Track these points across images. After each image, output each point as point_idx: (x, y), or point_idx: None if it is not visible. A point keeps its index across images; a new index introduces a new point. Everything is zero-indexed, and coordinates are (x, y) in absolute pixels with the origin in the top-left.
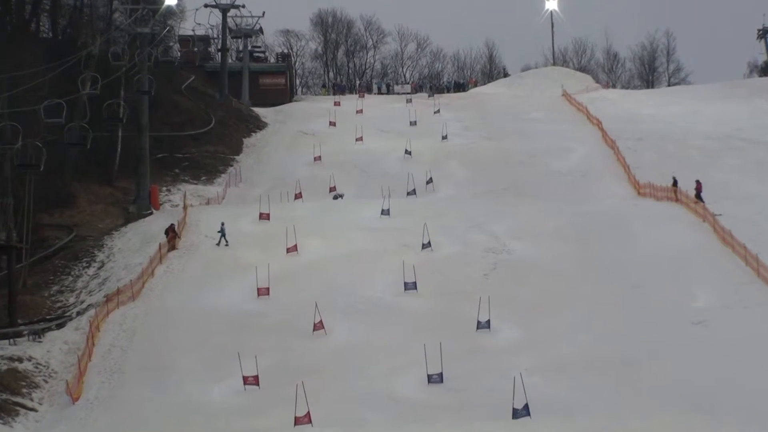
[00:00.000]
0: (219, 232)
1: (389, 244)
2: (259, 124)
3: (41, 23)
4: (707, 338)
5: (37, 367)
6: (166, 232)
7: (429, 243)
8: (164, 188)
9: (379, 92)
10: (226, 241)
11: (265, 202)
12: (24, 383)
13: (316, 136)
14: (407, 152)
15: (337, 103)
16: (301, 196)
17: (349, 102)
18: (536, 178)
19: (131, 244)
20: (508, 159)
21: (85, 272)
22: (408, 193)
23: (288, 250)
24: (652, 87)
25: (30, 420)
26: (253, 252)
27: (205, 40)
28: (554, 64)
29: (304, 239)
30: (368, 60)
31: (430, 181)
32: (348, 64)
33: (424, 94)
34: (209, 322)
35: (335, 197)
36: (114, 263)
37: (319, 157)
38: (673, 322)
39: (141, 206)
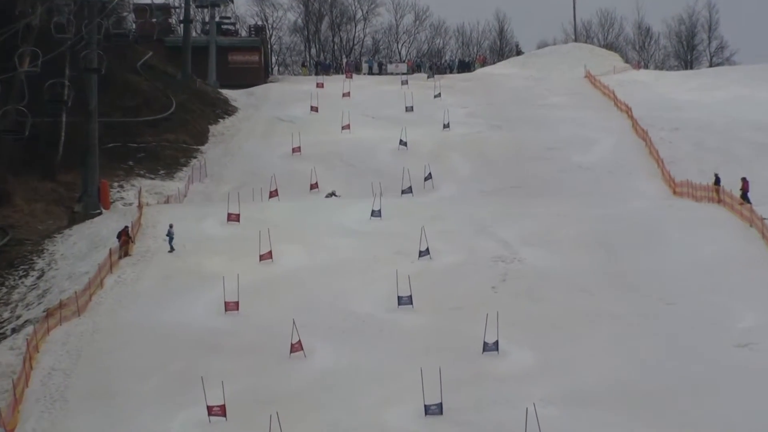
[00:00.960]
0: (167, 235)
1: (380, 251)
2: (227, 109)
3: None
4: (754, 364)
5: None
6: (119, 236)
7: (427, 250)
8: (116, 184)
9: (370, 72)
10: (171, 247)
11: (235, 200)
12: None
13: (295, 124)
14: (402, 143)
15: (319, 85)
16: (277, 195)
17: (334, 84)
18: (554, 175)
19: (76, 250)
20: (520, 152)
21: (22, 282)
22: (403, 192)
23: (261, 258)
24: (691, 68)
25: None
26: (220, 260)
27: (165, 9)
28: (576, 40)
29: (280, 245)
30: (357, 34)
31: (428, 177)
32: (333, 39)
33: (423, 75)
34: (168, 342)
35: (328, 196)
36: (56, 272)
37: (299, 148)
38: (713, 345)
39: (88, 205)
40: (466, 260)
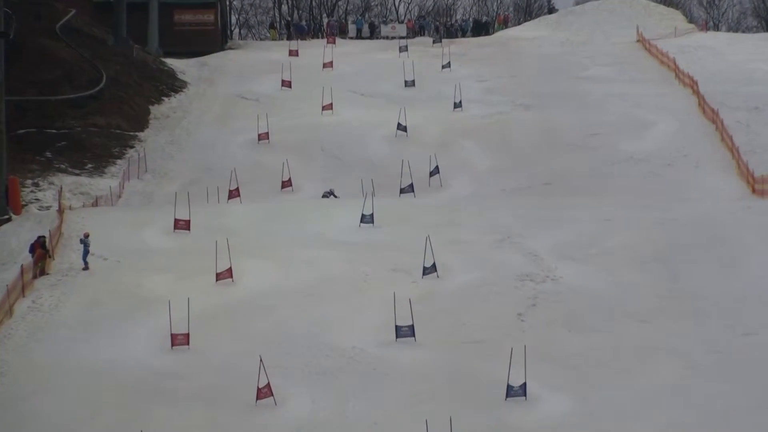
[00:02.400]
0: (83, 246)
1: (373, 268)
2: (174, 85)
3: None
4: None
5: None
6: (32, 249)
7: (433, 267)
8: (29, 181)
9: (359, 36)
10: (86, 264)
11: (184, 203)
12: None
13: (262, 103)
14: (401, 128)
15: (293, 53)
16: (239, 195)
17: (313, 51)
18: (597, 168)
19: None
20: (554, 139)
21: None
22: (402, 191)
23: (218, 277)
24: None
25: None
26: (165, 279)
27: None
28: None
29: (242, 261)
30: None
31: (435, 172)
32: None
33: (428, 40)
34: (98, 387)
35: (325, 195)
36: None
37: (266, 134)
38: None
39: None
40: (485, 279)
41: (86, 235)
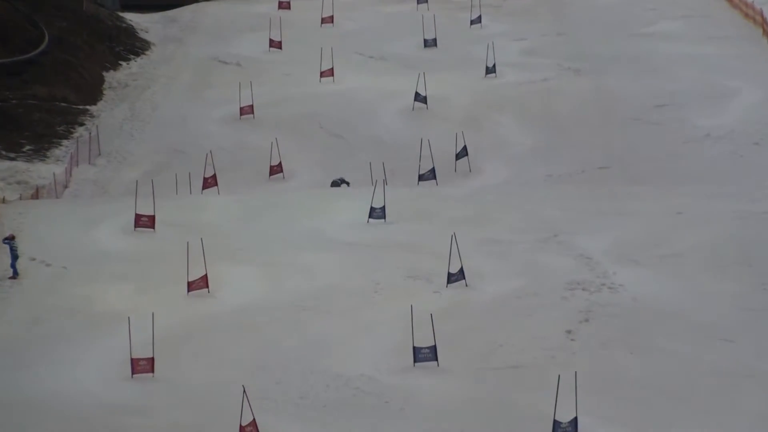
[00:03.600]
0: (6, 243)
1: (385, 274)
2: (134, 46)
3: None
4: None
5: None
6: None
7: (461, 273)
8: None
9: None
10: (14, 271)
11: (147, 194)
12: None
13: (245, 69)
14: (420, 99)
15: (284, 5)
16: (216, 184)
17: (308, 2)
18: (666, 148)
19: None
20: (611, 112)
21: None
22: (422, 178)
23: (191, 287)
24: None
25: None
26: (124, 291)
27: None
28: None
29: (221, 266)
30: None
31: (462, 154)
32: None
33: None
34: (40, 425)
35: (335, 184)
36: None
37: (250, 108)
38: None
39: None
40: (525, 289)
41: (11, 237)
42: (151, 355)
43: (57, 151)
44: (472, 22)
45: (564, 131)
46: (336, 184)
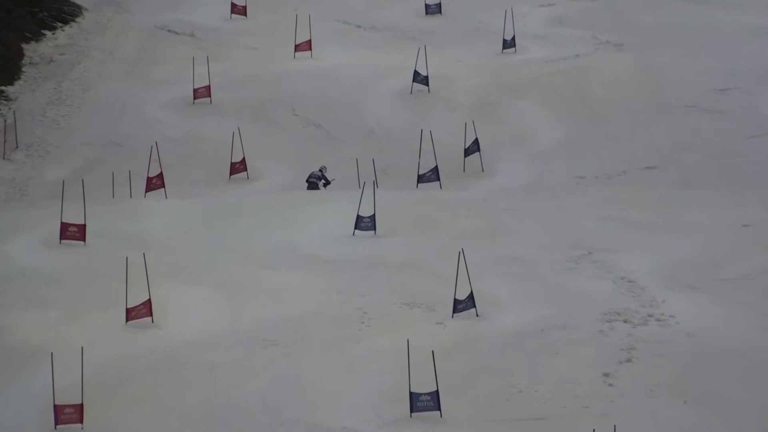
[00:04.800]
0: None
1: (376, 301)
2: (62, 11)
3: None
4: None
5: None
6: None
7: (471, 299)
8: None
9: None
10: None
11: (76, 197)
12: None
13: (200, 41)
14: (420, 80)
15: None
16: (162, 185)
17: None
18: (727, 144)
19: None
20: (660, 98)
21: None
22: (422, 179)
23: (130, 315)
24: None
25: None
26: (46, 318)
27: None
28: None
29: (169, 289)
30: None
31: (473, 149)
32: None
33: None
34: None
35: (312, 182)
36: None
37: (207, 90)
38: None
39: None
40: (552, 320)
41: None
42: (79, 401)
43: None
44: None
45: (601, 121)
46: (313, 183)
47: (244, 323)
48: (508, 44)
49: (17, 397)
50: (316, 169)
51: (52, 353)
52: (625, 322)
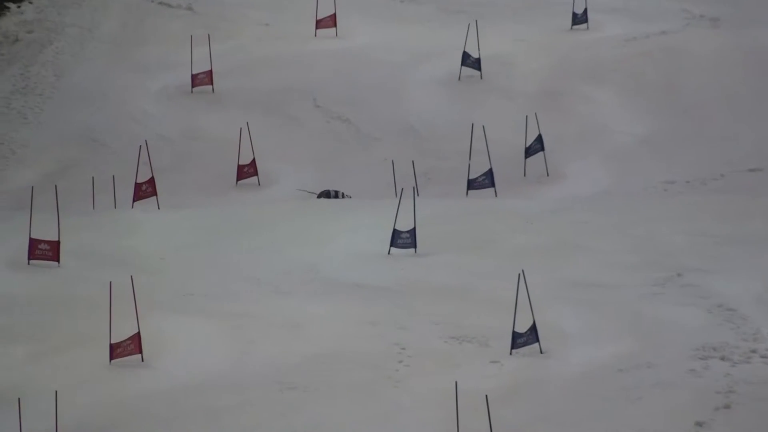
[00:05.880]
0: None
1: (416, 335)
2: None
3: None
4: None
5: None
6: None
7: (533, 332)
8: None
9: None
10: None
11: (48, 206)
12: None
13: (199, 16)
14: (469, 63)
15: None
16: (154, 192)
17: None
18: None
19: None
20: (766, 83)
21: None
22: (473, 184)
23: (116, 353)
24: None
25: None
26: (13, 355)
27: None
28: None
29: (162, 320)
30: None
31: (536, 147)
32: None
33: None
34: None
35: (322, 196)
36: None
37: (208, 76)
38: None
39: None
40: (633, 357)
41: None
42: None
43: None
44: None
45: (693, 114)
46: (326, 192)
47: (255, 362)
48: (579, 19)
49: None
50: (328, 190)
51: (19, 399)
52: (722, 359)
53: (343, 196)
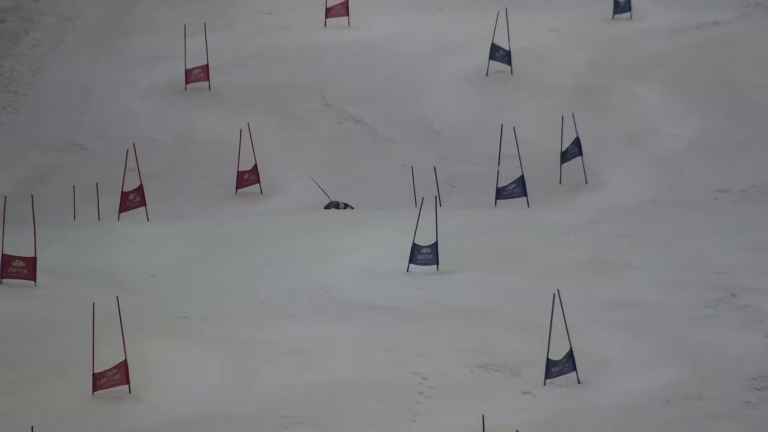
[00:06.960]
0: None
1: (439, 362)
2: None
3: None
4: None
5: None
6: None
7: (570, 360)
8: None
9: None
10: None
11: (22, 218)
12: None
13: (192, 2)
14: (498, 56)
15: None
16: (143, 203)
17: None
18: None
19: None
20: None
21: None
22: (502, 193)
23: (98, 383)
24: None
25: None
26: None
27: None
28: None
29: (152, 346)
30: None
31: (574, 152)
32: None
33: None
34: None
35: (327, 207)
36: None
37: (204, 71)
38: None
39: None
40: (682, 387)
41: None
42: None
43: None
44: None
45: (748, 115)
46: (335, 203)
47: (257, 394)
48: (622, 7)
49: None
50: (337, 201)
51: None
52: None
53: (345, 207)
